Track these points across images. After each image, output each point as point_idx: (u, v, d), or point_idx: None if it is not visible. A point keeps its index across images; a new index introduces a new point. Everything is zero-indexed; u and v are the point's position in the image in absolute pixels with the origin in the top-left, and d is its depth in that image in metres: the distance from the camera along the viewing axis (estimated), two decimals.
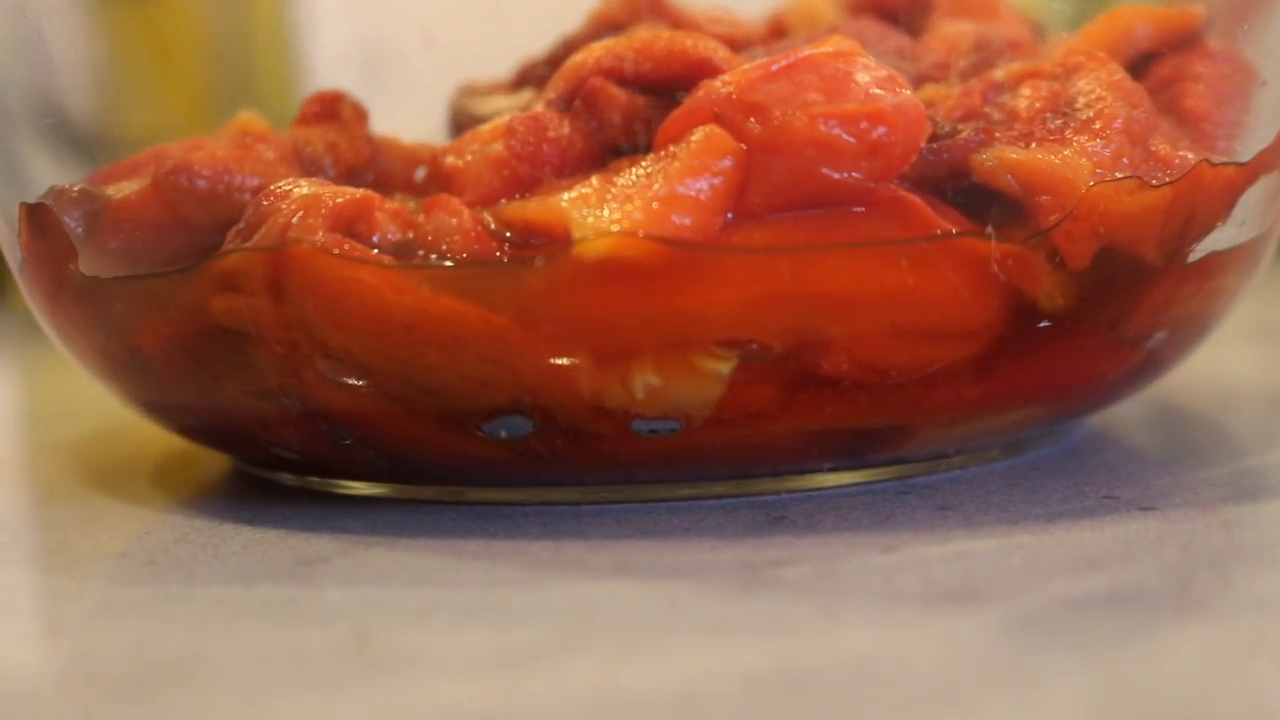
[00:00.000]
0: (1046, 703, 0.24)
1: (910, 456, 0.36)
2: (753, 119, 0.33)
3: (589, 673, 0.26)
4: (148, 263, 0.37)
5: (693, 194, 0.32)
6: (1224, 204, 0.36)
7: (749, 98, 0.33)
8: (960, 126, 0.35)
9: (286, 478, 0.39)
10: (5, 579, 0.34)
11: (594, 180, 0.34)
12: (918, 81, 0.37)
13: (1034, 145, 0.34)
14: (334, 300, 0.33)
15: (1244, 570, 0.31)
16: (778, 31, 0.41)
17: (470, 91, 0.42)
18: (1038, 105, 0.35)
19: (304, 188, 0.35)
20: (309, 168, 0.38)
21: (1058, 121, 0.35)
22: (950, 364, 0.34)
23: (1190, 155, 0.35)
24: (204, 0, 0.48)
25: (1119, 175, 0.34)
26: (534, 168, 0.35)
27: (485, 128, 0.36)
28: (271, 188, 0.35)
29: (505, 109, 0.39)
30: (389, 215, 0.34)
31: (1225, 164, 0.35)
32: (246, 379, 0.35)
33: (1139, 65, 0.37)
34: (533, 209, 0.34)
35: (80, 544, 0.35)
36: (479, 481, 0.36)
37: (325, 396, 0.34)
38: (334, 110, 0.39)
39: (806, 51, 0.33)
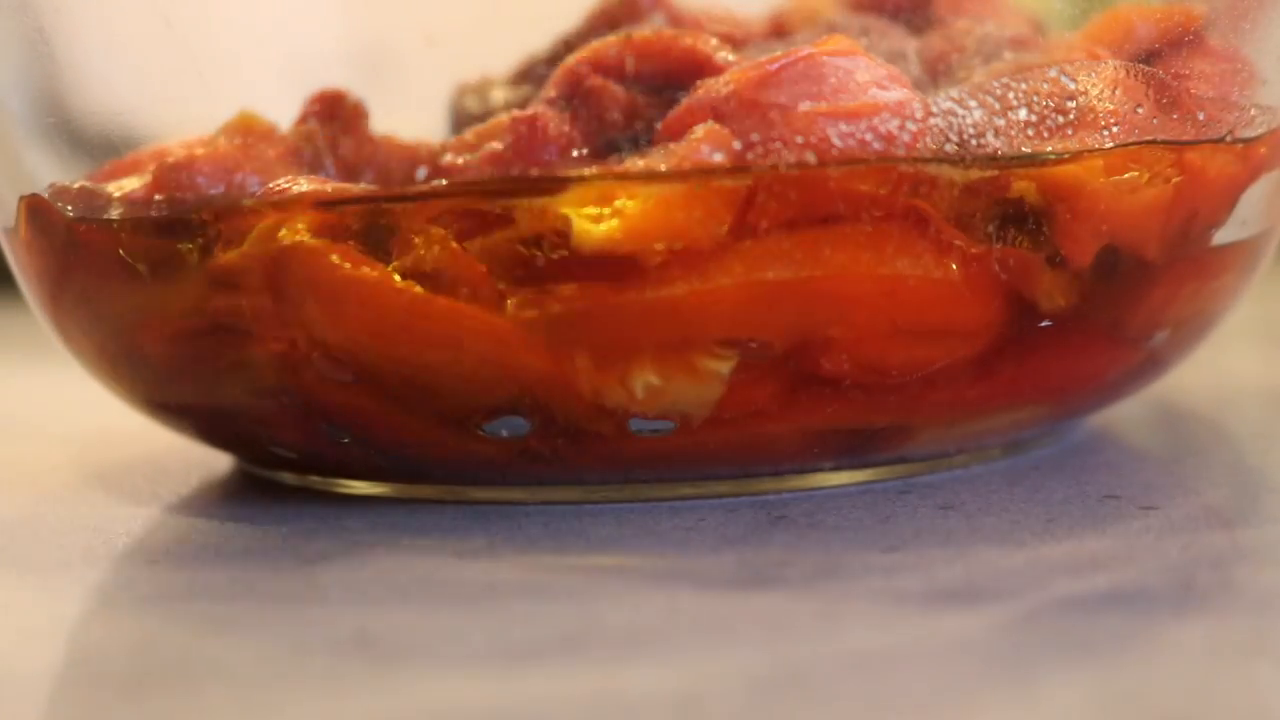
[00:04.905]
0: (1046, 703, 0.24)
1: (911, 456, 0.36)
2: (752, 117, 0.33)
3: (589, 673, 0.26)
4: (146, 261, 0.36)
5: (692, 191, 0.32)
6: (1226, 202, 0.36)
7: (749, 96, 0.33)
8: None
9: (287, 477, 0.39)
10: (4, 579, 0.34)
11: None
12: (919, 81, 0.37)
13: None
14: (334, 299, 0.33)
15: (1245, 569, 0.31)
16: (778, 30, 0.41)
17: (468, 90, 0.42)
18: (1041, 103, 0.35)
19: (303, 185, 0.34)
20: (309, 166, 0.38)
21: (1060, 119, 0.35)
22: (951, 364, 0.34)
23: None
24: None
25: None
26: (534, 166, 0.35)
27: (485, 126, 0.36)
28: (269, 185, 0.35)
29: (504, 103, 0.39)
30: None
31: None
32: (246, 377, 0.35)
33: (1140, 64, 0.37)
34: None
35: (80, 544, 0.35)
36: (479, 481, 0.36)
37: (325, 395, 0.34)
38: (334, 109, 0.39)
39: (806, 50, 0.33)
